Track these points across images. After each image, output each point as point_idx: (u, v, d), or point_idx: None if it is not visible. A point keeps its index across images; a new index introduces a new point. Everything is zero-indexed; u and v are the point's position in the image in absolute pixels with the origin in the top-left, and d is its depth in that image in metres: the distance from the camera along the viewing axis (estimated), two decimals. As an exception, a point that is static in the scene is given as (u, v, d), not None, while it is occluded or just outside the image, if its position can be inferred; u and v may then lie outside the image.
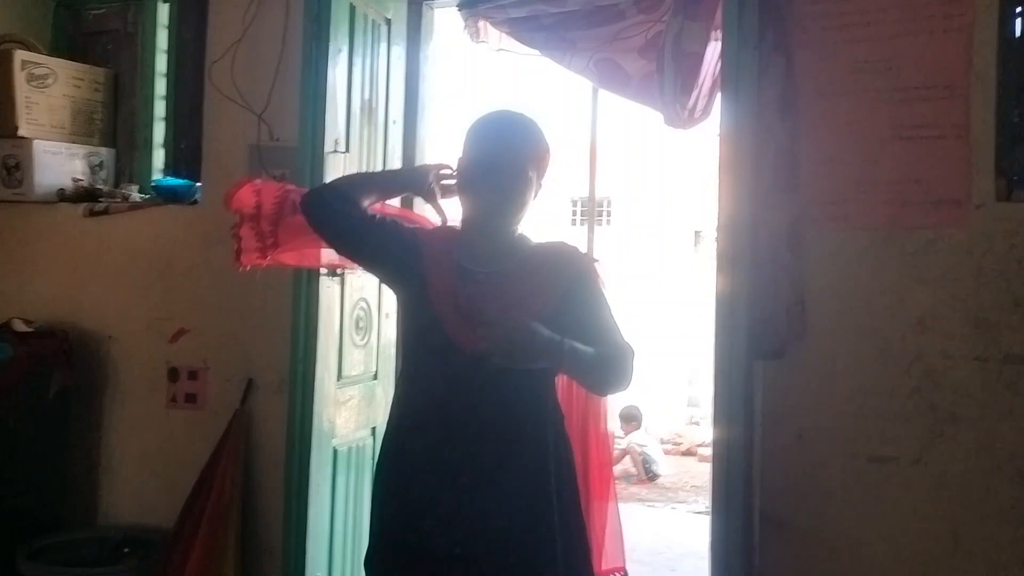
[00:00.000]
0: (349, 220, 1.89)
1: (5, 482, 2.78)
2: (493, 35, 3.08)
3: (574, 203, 12.40)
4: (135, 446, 3.11)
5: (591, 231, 6.67)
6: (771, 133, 2.25)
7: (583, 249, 1.94)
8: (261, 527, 2.86)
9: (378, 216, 1.94)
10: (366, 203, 1.94)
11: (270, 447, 2.85)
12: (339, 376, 2.79)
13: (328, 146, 2.64)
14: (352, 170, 2.80)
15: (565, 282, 1.79)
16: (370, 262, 1.99)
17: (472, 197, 1.84)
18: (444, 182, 1.98)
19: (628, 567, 2.14)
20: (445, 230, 1.98)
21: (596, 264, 1.93)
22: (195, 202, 3.09)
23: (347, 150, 2.73)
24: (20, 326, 3.01)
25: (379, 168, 2.92)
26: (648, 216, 13.15)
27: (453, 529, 1.73)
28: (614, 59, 2.82)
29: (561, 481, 1.80)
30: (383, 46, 2.91)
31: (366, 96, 2.84)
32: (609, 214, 13.65)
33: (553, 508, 1.76)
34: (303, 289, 2.66)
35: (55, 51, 3.47)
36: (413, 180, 2.05)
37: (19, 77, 3.10)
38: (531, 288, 1.77)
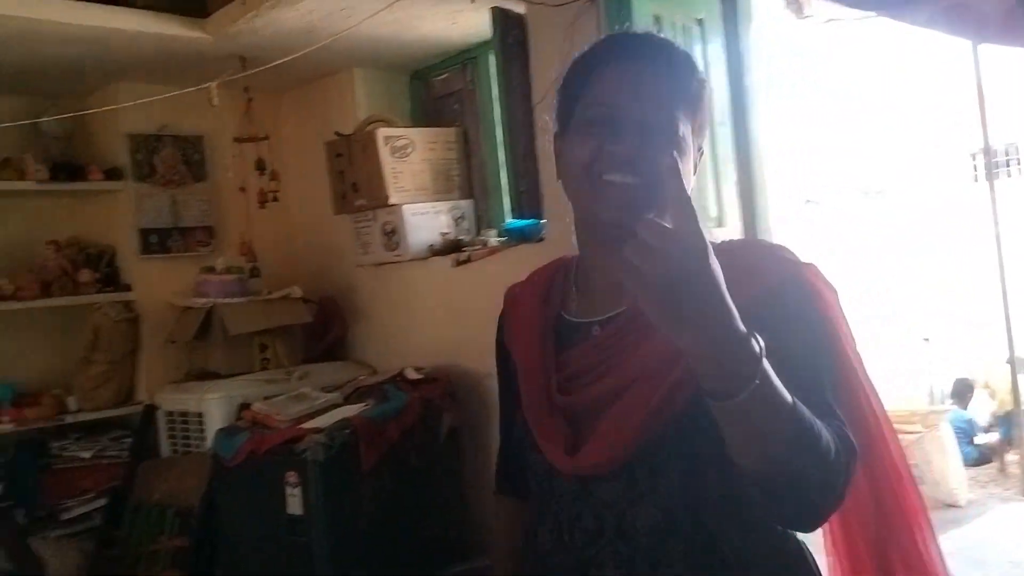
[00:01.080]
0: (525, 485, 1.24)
1: (416, 515, 3.08)
2: (819, 6, 2.80)
3: (972, 156, 10.84)
4: (521, 477, 3.29)
5: (992, 189, 5.83)
6: None
7: (792, 250, 1.11)
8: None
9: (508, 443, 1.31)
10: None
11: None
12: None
13: (649, 165, 2.59)
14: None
15: (744, 308, 0.87)
16: None
17: (585, 192, 1.08)
18: None
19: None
20: (550, 266, 1.29)
21: (809, 271, 1.08)
22: (541, 239, 3.21)
23: (670, 166, 2.66)
24: (412, 374, 3.34)
25: (709, 176, 2.79)
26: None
27: None
28: (965, 2, 2.40)
29: None
30: (696, 48, 2.78)
31: (684, 105, 2.74)
32: (1019, 162, 11.72)
33: None
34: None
35: (414, 119, 3.85)
36: None
37: (383, 152, 3.47)
38: None
